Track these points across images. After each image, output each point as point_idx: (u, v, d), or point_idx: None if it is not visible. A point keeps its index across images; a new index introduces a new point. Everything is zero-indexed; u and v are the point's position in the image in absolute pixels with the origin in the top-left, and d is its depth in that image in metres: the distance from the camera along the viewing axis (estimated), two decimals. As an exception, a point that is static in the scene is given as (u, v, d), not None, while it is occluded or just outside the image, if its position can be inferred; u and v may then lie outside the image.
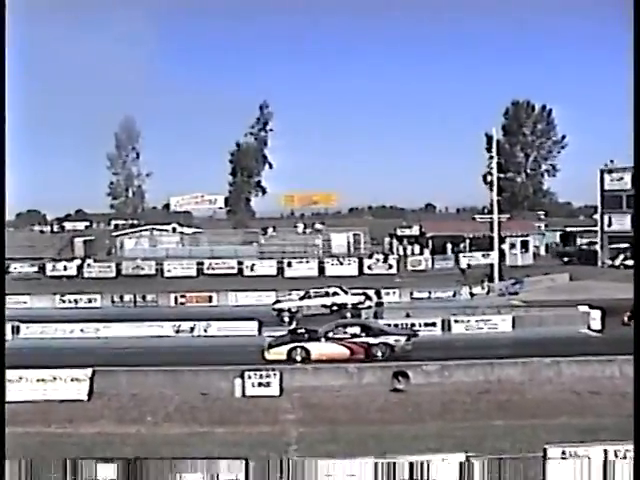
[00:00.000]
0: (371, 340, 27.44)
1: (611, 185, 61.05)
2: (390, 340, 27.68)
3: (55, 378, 22.78)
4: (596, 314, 33.36)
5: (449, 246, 67.35)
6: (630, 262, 57.23)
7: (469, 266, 58.60)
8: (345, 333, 27.62)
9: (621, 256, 58.36)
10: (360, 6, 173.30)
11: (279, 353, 27.13)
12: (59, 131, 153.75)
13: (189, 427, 19.89)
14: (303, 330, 29.06)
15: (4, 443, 13.86)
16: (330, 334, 27.62)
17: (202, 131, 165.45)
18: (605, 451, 13.61)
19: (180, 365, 25.12)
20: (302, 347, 27.21)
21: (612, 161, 62.31)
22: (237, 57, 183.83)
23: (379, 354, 27.18)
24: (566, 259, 64.80)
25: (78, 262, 61.83)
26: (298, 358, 26.86)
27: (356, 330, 27.76)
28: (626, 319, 33.60)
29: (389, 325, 31.68)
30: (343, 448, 16.67)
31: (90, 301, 44.47)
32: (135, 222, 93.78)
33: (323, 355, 26.82)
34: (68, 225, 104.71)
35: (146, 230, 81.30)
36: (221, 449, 16.89)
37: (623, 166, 60.45)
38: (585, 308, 34.24)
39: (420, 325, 33.07)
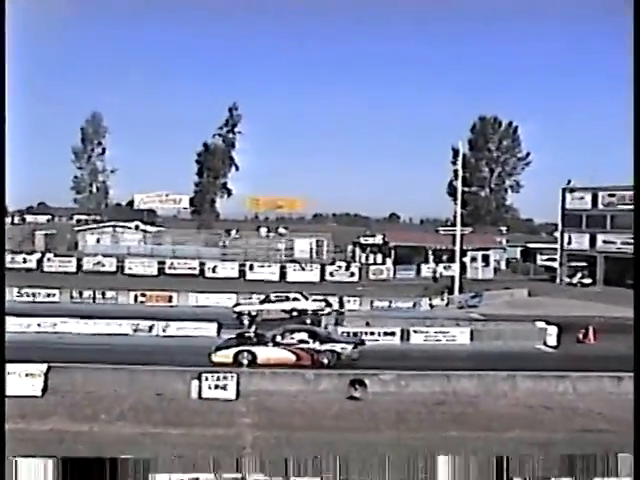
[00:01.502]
0: (318, 347, 27.57)
1: (572, 204, 62.06)
2: (337, 348, 27.80)
3: (9, 373, 22.44)
4: (552, 330, 33.81)
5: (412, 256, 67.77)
6: (587, 280, 58.29)
7: (440, 275, 59.13)
8: (293, 339, 27.69)
9: (579, 274, 59.30)
10: (330, 16, 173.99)
11: (225, 356, 27.15)
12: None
13: (142, 427, 19.74)
14: (252, 334, 29.20)
15: (4, 443, 13.74)
16: (278, 339, 27.69)
17: (171, 132, 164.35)
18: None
19: (137, 364, 24.94)
20: (249, 351, 27.26)
21: (570, 181, 63.40)
22: (209, 60, 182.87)
23: (325, 361, 27.29)
24: (526, 275, 65.64)
25: (38, 255, 61.07)
26: (244, 362, 26.87)
27: (303, 336, 27.87)
28: (581, 336, 34.22)
29: (348, 333, 31.89)
30: (297, 453, 16.69)
31: (49, 295, 44.02)
32: (98, 218, 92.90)
33: (269, 360, 26.86)
34: (29, 218, 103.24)
35: (109, 226, 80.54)
36: (174, 450, 16.80)
37: (585, 186, 61.57)
38: (542, 324, 34.69)
39: (379, 334, 33.32)
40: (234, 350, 27.40)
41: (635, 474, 13.61)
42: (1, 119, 16.85)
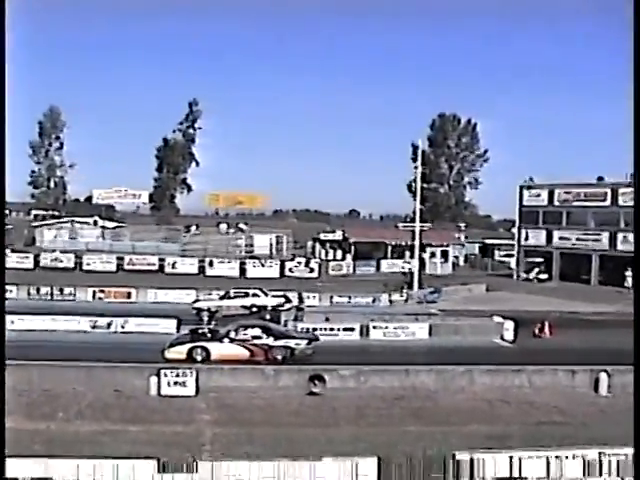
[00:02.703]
0: (272, 342, 27.64)
1: (529, 201, 62.86)
2: (291, 343, 27.91)
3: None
4: (509, 325, 34.23)
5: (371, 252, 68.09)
6: (543, 276, 59.15)
7: (409, 271, 59.22)
8: (246, 334, 27.73)
9: (535, 270, 60.12)
10: (294, 10, 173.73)
11: (179, 352, 27.11)
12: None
13: (101, 425, 19.59)
14: (205, 330, 29.20)
15: (4, 443, 13.56)
16: (232, 335, 27.71)
17: (130, 126, 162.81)
18: (510, 458, 14.07)
19: (95, 361, 24.74)
20: (202, 347, 27.24)
21: (531, 178, 64.28)
22: (171, 56, 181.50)
23: (279, 357, 27.36)
24: (484, 270, 66.39)
25: (-7, 251, 60.02)
26: (198, 358, 26.85)
27: (257, 332, 27.91)
28: (537, 331, 34.74)
29: (307, 329, 32.00)
30: (257, 449, 16.73)
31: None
32: (56, 213, 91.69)
33: (223, 356, 26.87)
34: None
35: (66, 222, 79.64)
36: (132, 448, 16.73)
37: (541, 183, 62.44)
38: (499, 319, 35.13)
39: (339, 329, 33.47)
40: (188, 346, 27.35)
41: (635, 474, 13.86)
42: (1, 119, 16.58)
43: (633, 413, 15.32)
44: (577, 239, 58.89)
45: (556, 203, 60.82)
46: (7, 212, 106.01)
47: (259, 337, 27.71)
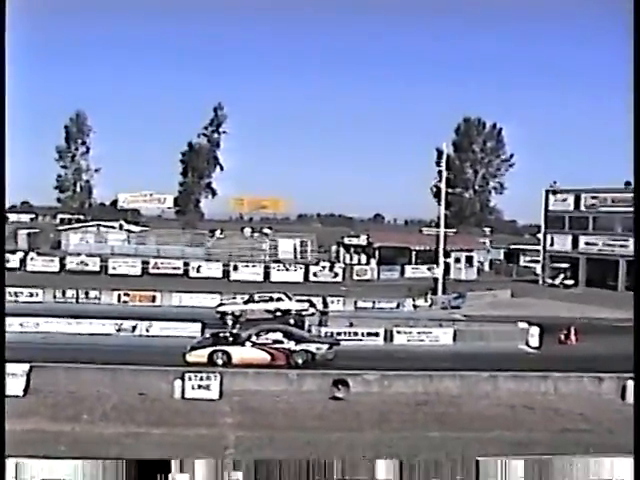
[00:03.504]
0: (293, 347, 27.64)
1: (555, 206, 62.41)
2: (312, 347, 27.89)
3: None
4: (534, 331, 33.97)
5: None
6: (569, 282, 58.67)
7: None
8: (267, 339, 27.75)
9: (561, 275, 59.66)
10: (313, 19, 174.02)
11: (200, 356, 27.18)
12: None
13: (125, 427, 19.72)
14: (227, 334, 29.31)
15: (4, 443, 13.70)
16: (253, 339, 27.74)
17: (156, 130, 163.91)
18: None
19: (120, 364, 24.88)
20: (223, 351, 27.31)
21: (555, 182, 63.76)
22: (195, 59, 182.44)
23: (300, 361, 27.36)
24: (509, 276, 65.99)
25: (21, 255, 60.69)
26: (219, 362, 26.92)
27: (278, 336, 27.92)
28: (562, 337, 34.45)
29: (331, 334, 32.02)
30: (280, 453, 16.74)
31: (31, 295, 43.66)
32: (82, 217, 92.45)
33: (244, 359, 26.90)
34: (12, 216, 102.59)
35: (92, 226, 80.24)
36: (156, 450, 16.81)
37: (567, 188, 61.95)
38: (524, 325, 34.88)
39: (363, 334, 33.42)
40: (209, 350, 27.44)
41: (635, 474, 13.71)
42: (1, 120, 16.77)
43: (633, 415, 15.11)
44: (604, 244, 58.37)
45: (582, 208, 60.36)
46: (34, 216, 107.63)
47: (280, 341, 27.72)
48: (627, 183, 58.45)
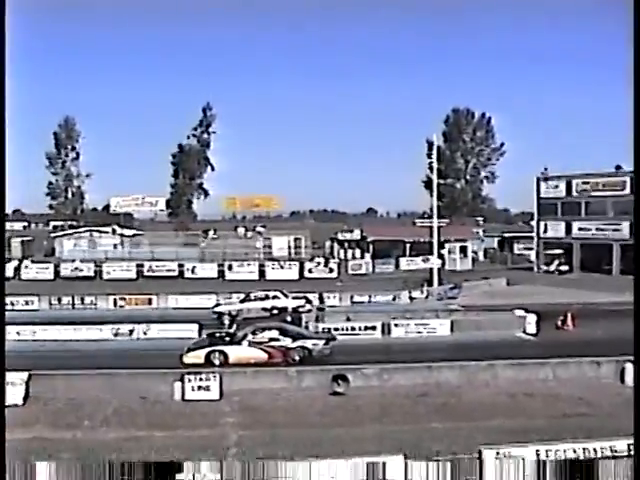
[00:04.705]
0: (289, 344, 27.65)
1: (547, 193, 62.55)
2: (308, 344, 27.90)
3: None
4: (531, 318, 34.03)
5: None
6: (564, 268, 58.80)
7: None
8: (263, 337, 27.76)
9: (556, 262, 59.78)
10: (304, 16, 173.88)
11: (197, 357, 27.15)
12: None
13: (127, 431, 19.68)
14: (223, 333, 29.30)
15: (4, 443, 13.66)
16: (249, 337, 27.75)
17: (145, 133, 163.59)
18: (537, 451, 13.98)
19: (119, 368, 24.84)
20: (220, 351, 27.30)
21: (546, 169, 63.99)
22: (181, 61, 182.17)
23: (297, 358, 27.35)
24: (504, 264, 66.10)
25: (15, 263, 60.51)
26: (216, 362, 26.88)
27: (274, 334, 27.92)
28: (560, 323, 34.53)
29: (329, 329, 32.02)
30: (283, 451, 16.73)
31: (27, 303, 43.48)
32: (74, 223, 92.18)
33: (241, 359, 26.88)
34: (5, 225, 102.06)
35: (85, 231, 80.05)
36: (159, 453, 16.78)
37: (558, 174, 62.09)
38: (521, 312, 34.93)
39: (360, 329, 33.43)
40: (205, 351, 27.42)
41: (635, 474, 13.73)
42: (1, 119, 16.65)
43: (633, 415, 15.10)
44: (597, 229, 58.52)
45: (574, 194, 60.53)
46: (27, 224, 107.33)
47: (276, 339, 27.73)
48: (617, 167, 58.68)
